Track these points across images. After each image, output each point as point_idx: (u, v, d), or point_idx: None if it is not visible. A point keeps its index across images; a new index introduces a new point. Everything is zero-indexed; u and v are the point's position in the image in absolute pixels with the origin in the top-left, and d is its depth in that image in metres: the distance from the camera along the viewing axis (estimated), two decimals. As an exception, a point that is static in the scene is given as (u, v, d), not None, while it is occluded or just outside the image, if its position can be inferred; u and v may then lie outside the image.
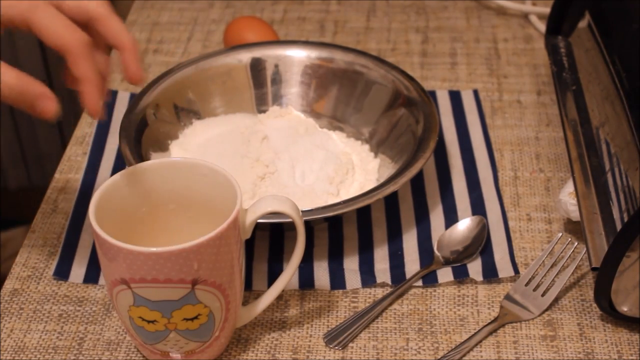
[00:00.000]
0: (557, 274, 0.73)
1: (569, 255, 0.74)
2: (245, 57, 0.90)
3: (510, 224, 0.79)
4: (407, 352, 0.69)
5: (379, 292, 0.73)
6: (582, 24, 0.88)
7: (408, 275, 0.74)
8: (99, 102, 0.61)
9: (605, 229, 0.70)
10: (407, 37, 1.06)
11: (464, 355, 0.68)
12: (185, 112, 0.86)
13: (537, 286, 0.72)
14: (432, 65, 1.01)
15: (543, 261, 0.74)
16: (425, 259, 0.76)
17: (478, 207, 0.81)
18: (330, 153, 0.82)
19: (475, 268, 0.75)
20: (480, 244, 0.76)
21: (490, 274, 0.74)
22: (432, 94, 0.95)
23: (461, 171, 0.85)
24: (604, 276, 0.67)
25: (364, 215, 0.80)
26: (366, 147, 0.85)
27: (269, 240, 0.78)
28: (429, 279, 0.74)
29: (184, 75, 0.87)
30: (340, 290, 0.74)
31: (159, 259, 0.59)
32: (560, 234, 0.76)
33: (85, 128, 0.92)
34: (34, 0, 0.61)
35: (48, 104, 0.60)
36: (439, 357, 0.68)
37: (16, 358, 0.69)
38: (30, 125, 1.63)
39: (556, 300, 0.72)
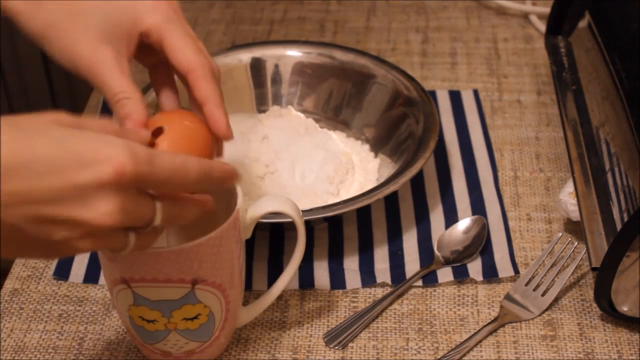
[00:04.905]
0: (557, 274, 0.73)
1: (569, 255, 0.74)
2: (245, 57, 0.90)
3: (510, 224, 0.79)
4: (407, 352, 0.68)
5: (379, 292, 0.73)
6: (582, 24, 0.88)
7: (408, 275, 0.74)
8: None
9: (605, 229, 0.70)
10: (407, 37, 1.06)
11: (464, 355, 0.68)
12: (185, 112, 0.86)
13: (537, 286, 0.72)
14: (432, 65, 1.01)
15: (543, 261, 0.74)
16: (425, 258, 0.76)
17: (478, 207, 0.81)
18: (330, 153, 0.82)
19: (475, 268, 0.75)
20: (480, 244, 0.76)
21: (490, 273, 0.74)
22: (432, 94, 0.95)
23: (461, 171, 0.85)
24: (604, 276, 0.67)
25: (364, 215, 0.80)
26: (366, 147, 0.85)
27: (269, 240, 0.78)
28: (429, 279, 0.74)
29: (184, 75, 0.87)
30: (340, 290, 0.74)
31: (159, 258, 0.59)
32: (560, 234, 0.76)
33: (85, 128, 0.92)
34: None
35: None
36: (439, 357, 0.68)
37: (16, 358, 0.69)
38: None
39: (556, 300, 0.72)
